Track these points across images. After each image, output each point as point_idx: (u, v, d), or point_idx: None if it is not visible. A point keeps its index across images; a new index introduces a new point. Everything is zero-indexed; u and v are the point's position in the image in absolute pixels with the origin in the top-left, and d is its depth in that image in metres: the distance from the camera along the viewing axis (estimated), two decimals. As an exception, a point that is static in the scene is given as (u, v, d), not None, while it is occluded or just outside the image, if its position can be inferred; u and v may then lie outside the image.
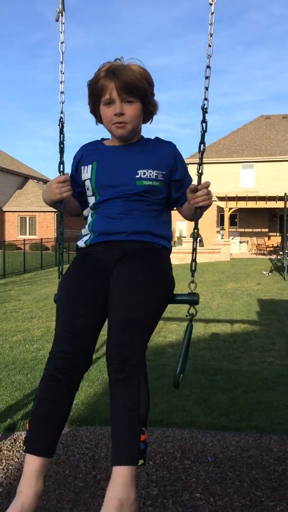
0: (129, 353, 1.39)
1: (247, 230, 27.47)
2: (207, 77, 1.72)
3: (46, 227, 31.32)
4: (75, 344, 1.48)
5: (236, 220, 27.68)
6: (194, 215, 1.71)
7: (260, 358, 5.34)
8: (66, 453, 2.75)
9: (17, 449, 2.83)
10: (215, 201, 25.04)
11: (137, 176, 1.69)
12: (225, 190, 25.46)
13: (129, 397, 1.36)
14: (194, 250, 1.78)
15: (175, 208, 1.90)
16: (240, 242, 26.79)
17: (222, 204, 24.79)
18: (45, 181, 36.54)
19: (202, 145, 1.73)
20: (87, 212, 1.81)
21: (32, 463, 1.37)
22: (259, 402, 3.75)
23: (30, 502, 1.33)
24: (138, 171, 1.69)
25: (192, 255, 1.77)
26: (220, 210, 26.41)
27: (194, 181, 1.74)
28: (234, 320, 7.64)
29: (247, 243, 27.01)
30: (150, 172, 1.70)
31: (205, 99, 1.72)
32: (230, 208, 24.69)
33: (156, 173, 1.71)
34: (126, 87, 1.62)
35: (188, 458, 2.68)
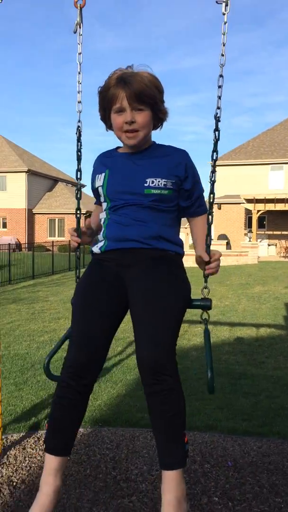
0: (162, 365, 1.47)
1: (275, 232, 27.06)
2: (219, 86, 1.73)
3: None
4: (87, 353, 1.57)
5: (264, 222, 27.31)
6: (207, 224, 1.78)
7: (286, 363, 5.27)
8: (88, 453, 2.80)
9: (40, 447, 2.90)
10: (243, 203, 24.79)
11: (145, 185, 1.71)
12: (253, 192, 25.18)
13: (172, 408, 1.46)
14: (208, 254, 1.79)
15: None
16: (269, 245, 26.43)
17: (250, 206, 24.53)
18: (73, 184, 37.01)
19: (215, 153, 1.75)
20: (102, 215, 1.85)
21: (51, 462, 1.51)
22: (283, 407, 3.71)
23: (50, 499, 1.48)
24: (146, 180, 1.71)
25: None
26: (248, 212, 26.13)
27: (206, 189, 1.76)
28: (260, 324, 7.56)
29: (276, 246, 26.61)
30: (159, 181, 1.71)
31: (218, 107, 1.73)
32: (258, 211, 24.41)
33: (165, 181, 1.72)
34: (136, 96, 1.64)
35: (208, 462, 2.68)
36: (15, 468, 2.61)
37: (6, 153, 32.85)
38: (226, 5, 1.73)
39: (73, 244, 1.86)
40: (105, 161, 1.85)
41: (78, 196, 1.93)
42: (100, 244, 1.80)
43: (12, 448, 2.87)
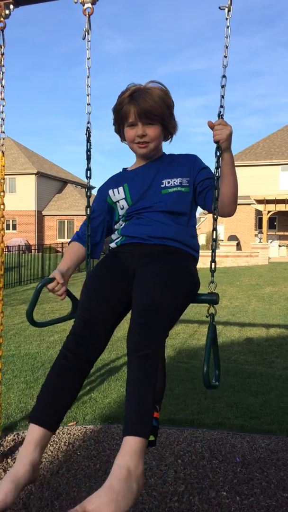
0: (148, 334, 1.44)
1: (286, 233, 26.91)
2: (222, 86, 1.80)
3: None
4: (89, 329, 1.57)
5: (275, 223, 27.17)
6: (213, 214, 1.78)
7: (295, 363, 5.27)
8: (97, 449, 2.84)
9: (50, 443, 2.94)
10: (253, 204, 24.70)
11: (162, 186, 1.83)
12: (263, 192, 25.09)
13: (145, 374, 1.40)
14: (213, 251, 1.82)
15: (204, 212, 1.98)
16: (279, 246, 26.28)
17: (260, 207, 24.43)
18: (83, 185, 37.23)
19: (219, 150, 1.77)
20: (119, 225, 1.92)
21: (33, 433, 1.44)
22: (292, 406, 3.72)
23: (24, 470, 1.38)
24: (162, 181, 1.84)
25: (212, 256, 1.80)
26: (259, 213, 26.03)
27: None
28: (270, 325, 7.54)
29: (287, 246, 26.47)
30: (174, 180, 1.83)
31: (221, 106, 1.79)
32: (269, 211, 24.29)
33: (180, 180, 1.84)
34: (145, 113, 1.78)
35: (216, 458, 2.70)
36: (26, 463, 2.66)
37: (16, 155, 33.12)
38: (229, 10, 1.78)
39: (61, 295, 1.87)
40: (119, 179, 1.96)
41: (88, 194, 2.00)
42: (117, 239, 1.88)
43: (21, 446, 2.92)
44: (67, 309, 9.23)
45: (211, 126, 1.72)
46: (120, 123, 1.88)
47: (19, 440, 2.99)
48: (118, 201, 1.90)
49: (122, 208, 1.88)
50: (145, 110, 1.77)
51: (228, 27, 1.79)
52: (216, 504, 2.18)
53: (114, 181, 1.96)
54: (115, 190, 1.91)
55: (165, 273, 1.62)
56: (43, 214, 32.90)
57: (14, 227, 32.43)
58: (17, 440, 2.98)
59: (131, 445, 1.30)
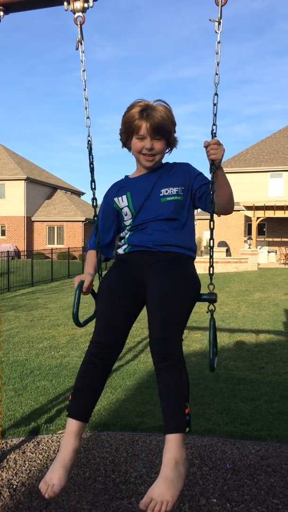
0: (171, 346, 1.71)
1: (275, 239, 27.11)
2: (215, 104, 1.86)
3: (74, 237, 31.77)
4: (110, 336, 1.82)
5: (264, 229, 27.36)
6: (210, 211, 1.96)
7: (285, 369, 5.28)
8: (87, 457, 2.81)
9: (39, 452, 2.91)
10: (242, 210, 24.87)
11: (161, 195, 2.03)
12: (253, 199, 25.27)
13: (174, 380, 1.68)
14: (211, 257, 1.98)
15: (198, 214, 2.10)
16: (268, 252, 26.46)
17: (249, 213, 24.60)
18: (72, 191, 37.21)
19: (213, 166, 1.89)
20: (125, 234, 2.12)
21: (72, 425, 1.75)
22: (281, 412, 3.73)
23: (69, 456, 1.71)
24: (161, 190, 2.04)
25: (210, 261, 1.97)
26: (248, 219, 26.19)
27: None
28: (259, 330, 7.58)
29: (276, 252, 26.65)
30: (171, 190, 2.03)
31: (214, 124, 1.90)
32: (258, 218, 24.47)
33: (176, 189, 2.04)
34: (156, 129, 1.97)
35: (206, 465, 2.70)
36: (15, 472, 2.63)
37: (5, 160, 32.97)
38: (219, 23, 1.77)
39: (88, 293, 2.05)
40: (121, 186, 2.14)
41: (94, 204, 2.14)
42: (124, 247, 2.08)
43: (12, 452, 2.89)
44: (55, 315, 9.19)
45: (206, 145, 1.88)
46: (129, 135, 2.04)
47: (8, 448, 2.96)
48: (122, 208, 2.09)
49: (126, 215, 2.08)
50: (157, 126, 1.96)
51: (219, 42, 1.80)
52: (206, 512, 2.17)
53: (117, 189, 2.14)
54: (120, 198, 2.10)
55: (175, 283, 1.83)
56: (32, 220, 32.75)
57: (3, 233, 32.22)
58: (5, 449, 2.95)
59: (174, 441, 1.62)
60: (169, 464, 1.59)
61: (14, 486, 2.45)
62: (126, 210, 2.08)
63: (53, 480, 1.66)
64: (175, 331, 1.74)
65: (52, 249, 21.04)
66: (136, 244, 2.02)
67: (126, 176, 2.20)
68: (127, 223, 2.09)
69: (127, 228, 2.09)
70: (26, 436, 3.19)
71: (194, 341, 6.62)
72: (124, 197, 2.09)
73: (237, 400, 4.05)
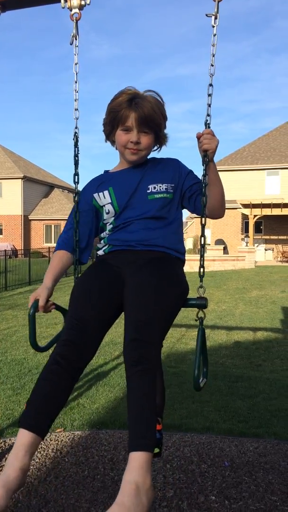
0: (145, 348, 1.46)
1: (272, 237, 27.15)
2: (209, 95, 1.81)
3: None
4: (80, 335, 1.57)
5: (261, 227, 27.40)
6: (202, 211, 1.81)
7: (282, 366, 5.30)
8: (86, 455, 2.82)
9: (38, 450, 2.91)
10: (239, 208, 24.89)
11: (148, 191, 1.84)
12: (249, 197, 25.30)
13: (145, 388, 1.42)
14: (202, 256, 1.84)
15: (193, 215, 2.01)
16: (266, 250, 26.50)
17: (246, 211, 24.63)
18: (70, 190, 37.10)
19: (206, 158, 1.80)
20: (105, 234, 1.91)
21: (23, 438, 1.43)
22: (279, 409, 3.74)
23: (15, 475, 1.38)
24: (149, 186, 1.85)
25: (200, 261, 1.83)
26: (245, 217, 26.22)
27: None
28: (257, 328, 7.59)
29: (273, 250, 26.70)
30: (160, 186, 1.85)
31: (208, 115, 1.81)
32: (255, 216, 24.50)
33: (165, 186, 1.86)
34: (144, 120, 1.78)
35: (205, 462, 2.70)
36: (13, 470, 2.63)
37: (2, 159, 32.87)
38: (216, 18, 1.79)
39: (50, 310, 1.90)
40: (102, 182, 1.93)
41: (76, 199, 1.96)
42: (104, 247, 1.89)
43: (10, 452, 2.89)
44: (53, 314, 9.17)
45: (199, 136, 1.75)
46: (114, 125, 1.84)
47: (6, 447, 2.96)
48: (104, 206, 1.88)
49: (108, 213, 1.87)
50: (145, 117, 1.76)
51: (215, 35, 1.81)
52: (205, 509, 2.18)
53: (97, 184, 1.93)
54: (101, 194, 1.89)
55: (155, 283, 1.62)
56: (29, 218, 32.69)
57: (0, 232, 32.16)
58: (3, 447, 2.95)
59: (137, 460, 1.32)
60: (127, 488, 1.26)
61: (13, 485, 2.45)
62: (108, 207, 1.87)
63: None
64: (152, 333, 1.49)
65: (49, 247, 21.02)
66: (117, 244, 1.83)
67: (106, 171, 2.00)
68: (109, 221, 1.88)
69: (108, 228, 1.89)
70: (25, 435, 3.19)
71: (191, 339, 6.63)
72: (106, 192, 1.88)
73: (235, 397, 4.06)
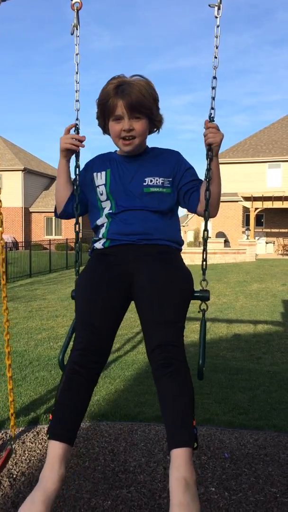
0: (173, 349, 1.52)
1: (273, 230, 27.13)
2: (213, 88, 1.79)
3: (72, 228, 30.91)
4: (94, 343, 1.60)
5: (262, 220, 27.37)
6: (205, 208, 1.81)
7: (283, 359, 5.32)
8: (87, 446, 2.83)
9: (39, 441, 2.93)
10: (241, 201, 24.83)
11: (144, 184, 1.82)
12: (251, 190, 25.24)
13: (179, 387, 1.48)
14: (205, 250, 1.86)
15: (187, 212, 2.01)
16: (266, 243, 26.50)
17: (247, 204, 24.58)
18: (71, 182, 36.93)
19: (210, 152, 1.80)
20: (101, 221, 1.90)
21: (55, 449, 1.46)
22: (279, 401, 3.75)
23: (53, 487, 1.41)
24: (145, 179, 1.84)
25: (203, 255, 1.85)
26: (246, 210, 26.19)
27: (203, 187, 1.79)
28: (257, 321, 7.61)
29: (274, 243, 26.69)
30: (157, 180, 1.83)
31: (212, 108, 1.80)
32: (256, 208, 24.45)
33: (162, 180, 1.84)
34: (133, 106, 1.74)
35: (205, 454, 2.72)
36: (14, 461, 2.65)
37: (2, 151, 32.77)
38: (219, 8, 1.77)
39: (70, 145, 1.87)
40: (104, 161, 1.94)
41: (77, 192, 1.95)
42: (103, 241, 1.86)
43: (12, 442, 2.90)
44: (54, 306, 9.20)
45: (207, 127, 1.74)
46: (105, 117, 1.83)
47: (7, 438, 2.97)
48: (98, 186, 1.89)
49: (101, 194, 1.87)
50: (134, 102, 1.72)
51: (218, 26, 1.78)
52: (205, 500, 2.19)
53: (99, 163, 1.94)
54: (99, 174, 1.90)
55: (167, 281, 1.65)
56: (30, 211, 32.65)
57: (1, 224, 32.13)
58: (4, 439, 2.97)
59: (182, 457, 1.38)
60: (179, 486, 1.33)
61: (14, 476, 2.47)
62: (102, 189, 1.87)
63: None
64: (175, 334, 1.55)
65: (50, 240, 21.01)
66: (117, 238, 1.81)
67: (115, 150, 1.98)
68: (105, 206, 1.87)
69: (105, 214, 1.86)
70: (26, 426, 3.21)
71: (192, 332, 6.64)
72: (104, 173, 1.88)
73: (235, 390, 4.07)
